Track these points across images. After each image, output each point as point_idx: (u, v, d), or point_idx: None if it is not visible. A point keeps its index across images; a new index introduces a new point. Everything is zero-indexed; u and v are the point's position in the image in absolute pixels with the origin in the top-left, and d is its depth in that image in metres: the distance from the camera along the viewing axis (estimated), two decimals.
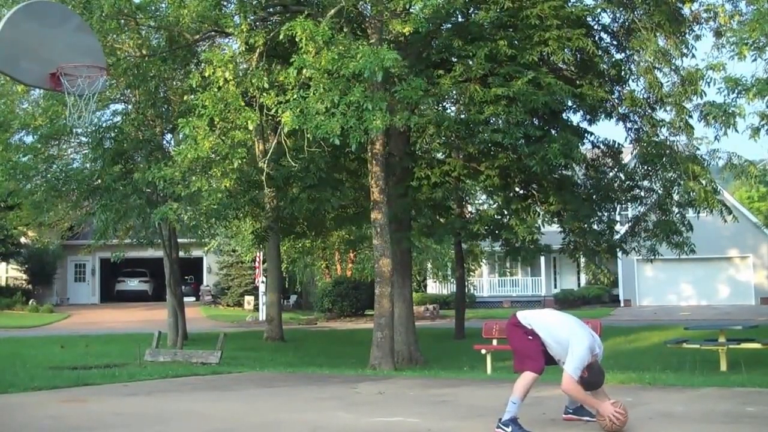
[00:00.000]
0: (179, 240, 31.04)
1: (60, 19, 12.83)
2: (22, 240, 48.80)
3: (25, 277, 51.59)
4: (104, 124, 24.79)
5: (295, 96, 16.00)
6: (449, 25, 21.31)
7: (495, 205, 24.43)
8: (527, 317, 8.76)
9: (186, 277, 50.48)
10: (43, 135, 25.66)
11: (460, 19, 21.51)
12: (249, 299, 49.01)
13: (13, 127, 25.50)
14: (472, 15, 20.84)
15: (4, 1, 18.40)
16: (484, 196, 29.32)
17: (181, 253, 33.11)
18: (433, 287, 54.42)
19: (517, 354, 8.77)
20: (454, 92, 20.22)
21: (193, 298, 53.59)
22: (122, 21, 19.28)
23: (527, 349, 8.61)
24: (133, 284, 56.63)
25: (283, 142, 18.12)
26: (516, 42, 19.87)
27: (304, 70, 15.89)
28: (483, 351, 18.29)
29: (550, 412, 9.53)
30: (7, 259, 49.90)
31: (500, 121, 19.37)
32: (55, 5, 14.94)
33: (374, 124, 15.68)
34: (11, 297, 47.49)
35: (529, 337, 8.64)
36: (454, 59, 20.39)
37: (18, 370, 17.14)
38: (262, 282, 41.16)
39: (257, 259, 43.97)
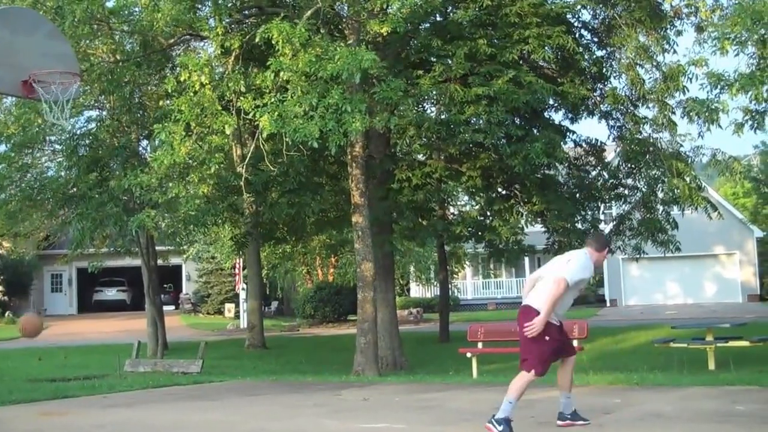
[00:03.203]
0: (157, 248, 30.89)
1: (31, 25, 12.73)
2: None
3: (0, 288, 51.04)
4: (79, 132, 24.63)
5: (272, 99, 15.85)
6: (428, 25, 21.11)
7: (477, 207, 24.39)
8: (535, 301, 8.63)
9: (165, 286, 50.13)
10: (16, 144, 25.45)
11: (438, 19, 21.32)
12: (229, 307, 48.71)
13: None
14: (451, 14, 20.69)
15: None
16: (466, 198, 29.21)
17: (160, 261, 32.92)
18: (416, 291, 54.30)
19: (529, 352, 8.54)
20: (434, 92, 19.97)
21: (173, 307, 53.13)
22: (95, 26, 19.10)
23: (540, 351, 8.42)
24: (111, 294, 56.22)
25: (261, 146, 17.90)
26: (496, 40, 19.70)
27: (282, 73, 15.73)
28: (468, 354, 18.14)
29: (540, 416, 9.46)
30: None
31: (481, 121, 19.17)
32: (26, 11, 14.79)
33: (353, 126, 15.52)
34: None
35: (546, 338, 8.44)
36: (434, 59, 20.15)
37: None
38: (243, 289, 40.89)
39: (237, 265, 43.74)
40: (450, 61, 19.22)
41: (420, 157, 23.77)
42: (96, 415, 11.61)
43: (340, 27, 20.12)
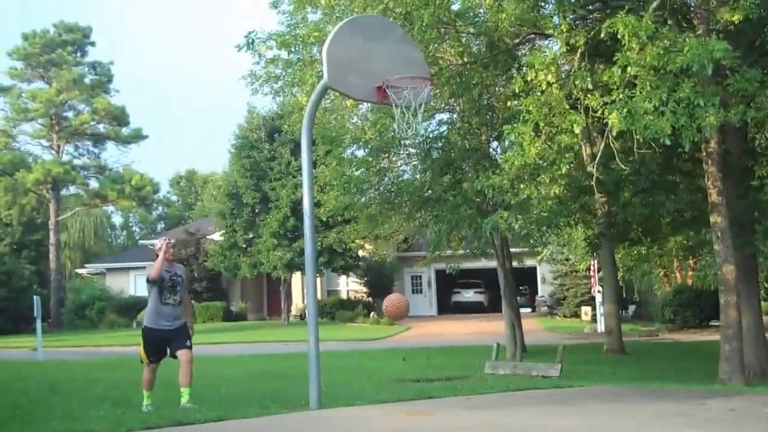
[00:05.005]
0: (512, 249, 30.90)
1: (383, 32, 12.96)
2: (360, 253, 50.35)
3: (364, 289, 53.48)
4: (431, 135, 25.18)
5: (620, 96, 15.48)
6: None
7: None
8: None
9: (520, 288, 50.28)
10: (373, 148, 26.20)
11: None
12: (586, 310, 48.18)
13: (345, 141, 26.20)
14: None
15: (329, 18, 18.89)
16: None
17: (515, 263, 32.92)
18: None
19: None
20: None
21: (529, 309, 53.46)
22: (442, 30, 19.30)
23: None
24: (469, 295, 57.29)
25: (611, 144, 17.46)
26: None
27: (629, 68, 15.33)
28: None
29: None
30: (347, 272, 51.64)
31: None
32: (378, 19, 15.21)
33: (707, 121, 14.95)
34: (353, 310, 49.50)
35: None
36: None
37: (364, 382, 17.70)
38: (598, 292, 40.25)
39: (592, 267, 43.07)
40: None
41: None
42: (459, 417, 11.60)
43: (687, 17, 19.21)
